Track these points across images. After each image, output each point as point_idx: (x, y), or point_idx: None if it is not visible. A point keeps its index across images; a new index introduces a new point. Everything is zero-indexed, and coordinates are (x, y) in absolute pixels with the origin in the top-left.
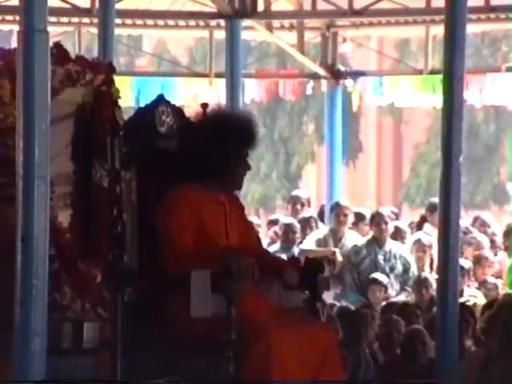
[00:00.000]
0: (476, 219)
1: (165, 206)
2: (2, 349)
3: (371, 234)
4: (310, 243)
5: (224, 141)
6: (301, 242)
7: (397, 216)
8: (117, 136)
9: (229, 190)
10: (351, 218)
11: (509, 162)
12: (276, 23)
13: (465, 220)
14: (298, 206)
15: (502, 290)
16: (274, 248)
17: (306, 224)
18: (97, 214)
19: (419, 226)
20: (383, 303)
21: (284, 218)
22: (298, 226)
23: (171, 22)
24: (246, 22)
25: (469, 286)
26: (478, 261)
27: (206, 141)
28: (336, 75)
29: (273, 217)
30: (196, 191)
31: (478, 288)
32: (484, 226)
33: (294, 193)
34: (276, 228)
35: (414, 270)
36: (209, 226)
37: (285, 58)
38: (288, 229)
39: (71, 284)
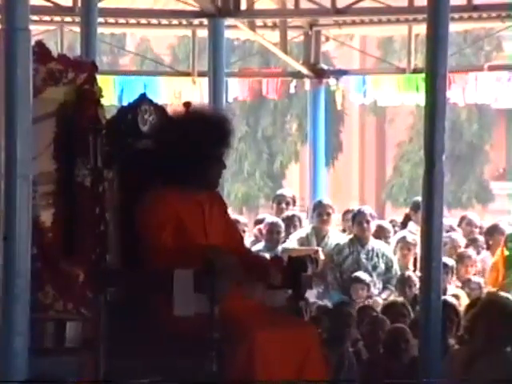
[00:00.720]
0: (463, 219)
1: (144, 205)
2: None
3: (353, 232)
4: (292, 242)
5: (197, 140)
6: (285, 241)
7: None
8: (99, 135)
9: (205, 189)
10: (334, 217)
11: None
12: (259, 22)
13: (450, 219)
14: (283, 205)
15: (485, 289)
16: (258, 247)
17: (290, 223)
18: (79, 213)
19: (404, 224)
20: (364, 303)
21: (270, 217)
22: (282, 226)
23: (154, 21)
24: (228, 21)
25: (450, 283)
26: (461, 259)
27: (180, 140)
28: (319, 74)
29: (260, 216)
30: (174, 191)
31: (462, 287)
32: (470, 225)
33: (279, 192)
34: (261, 226)
35: (396, 269)
36: (187, 225)
37: (268, 56)
38: (272, 228)
39: (54, 283)
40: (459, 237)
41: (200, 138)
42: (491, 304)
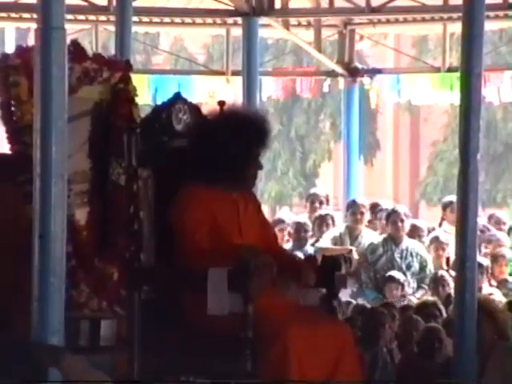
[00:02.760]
0: (491, 217)
1: (179, 204)
2: None
3: (387, 231)
4: (326, 241)
5: (235, 140)
6: (317, 240)
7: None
8: (134, 134)
9: (241, 190)
10: (367, 216)
11: None
12: (293, 21)
13: (481, 218)
14: (317, 204)
15: None
16: (287, 247)
17: (323, 221)
18: (114, 212)
19: (440, 226)
20: (402, 303)
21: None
22: (309, 224)
23: (188, 20)
24: (262, 20)
25: (489, 283)
26: (496, 259)
27: (217, 140)
28: (353, 73)
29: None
30: (209, 189)
31: (498, 287)
32: (499, 223)
33: (312, 190)
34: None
35: (430, 268)
36: (222, 224)
37: (301, 55)
38: (299, 227)
39: (88, 282)
40: (504, 236)
41: (238, 138)
42: None
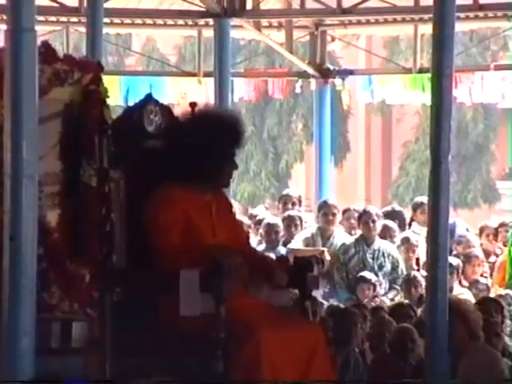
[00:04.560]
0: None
1: (152, 205)
2: None
3: (359, 232)
4: (298, 242)
5: (210, 140)
6: (286, 241)
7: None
8: (105, 135)
9: (216, 189)
10: (339, 217)
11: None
12: (264, 22)
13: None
14: (289, 205)
15: (492, 290)
16: (259, 248)
17: (291, 222)
18: (85, 214)
19: (410, 226)
20: (375, 303)
21: (269, 217)
22: (280, 226)
23: (160, 21)
24: (234, 21)
25: (461, 283)
26: (469, 259)
27: (192, 140)
28: (325, 74)
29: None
30: (183, 191)
31: (469, 288)
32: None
33: (285, 192)
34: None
35: (402, 269)
36: (195, 225)
37: (273, 56)
38: (270, 229)
39: (60, 283)
40: (473, 237)
41: (214, 137)
42: None
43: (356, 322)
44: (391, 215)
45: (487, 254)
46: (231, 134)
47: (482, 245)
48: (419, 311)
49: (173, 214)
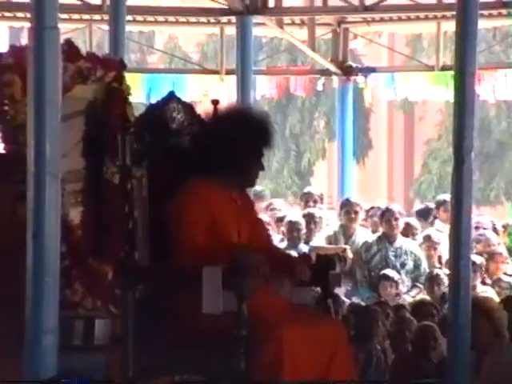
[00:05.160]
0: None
1: (177, 201)
2: (9, 349)
3: (381, 230)
4: (320, 240)
5: (242, 140)
6: (307, 238)
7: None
8: (128, 133)
9: (241, 188)
10: (361, 215)
11: None
12: (287, 19)
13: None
14: (311, 203)
15: None
16: (281, 246)
17: (311, 219)
18: (108, 211)
19: (432, 224)
20: (397, 301)
21: (291, 214)
22: (302, 224)
23: (182, 19)
24: (256, 19)
25: (484, 281)
26: (492, 256)
27: (221, 138)
28: (347, 72)
29: (280, 214)
30: (207, 188)
31: (492, 286)
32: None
33: (307, 189)
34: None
35: (424, 267)
36: (220, 222)
37: (296, 54)
38: (292, 226)
39: (82, 281)
40: (493, 235)
41: (245, 137)
42: None
43: (377, 319)
44: (424, 213)
45: (510, 251)
46: (262, 135)
47: (505, 243)
48: (443, 309)
49: (197, 211)
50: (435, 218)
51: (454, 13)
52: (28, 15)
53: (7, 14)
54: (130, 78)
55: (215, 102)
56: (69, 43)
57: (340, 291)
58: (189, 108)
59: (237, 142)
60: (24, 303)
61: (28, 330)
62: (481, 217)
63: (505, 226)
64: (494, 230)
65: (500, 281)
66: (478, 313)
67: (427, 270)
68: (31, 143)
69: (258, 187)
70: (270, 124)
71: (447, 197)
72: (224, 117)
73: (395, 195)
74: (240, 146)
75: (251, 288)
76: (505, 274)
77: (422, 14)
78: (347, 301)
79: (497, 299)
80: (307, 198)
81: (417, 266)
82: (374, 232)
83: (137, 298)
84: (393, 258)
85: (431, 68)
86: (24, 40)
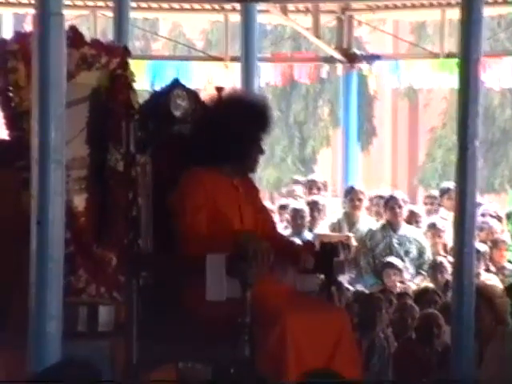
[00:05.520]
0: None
1: (180, 188)
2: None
3: (385, 218)
4: (324, 228)
5: (239, 125)
6: (311, 225)
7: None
8: (132, 120)
9: (243, 174)
10: (366, 203)
11: None
12: (291, 6)
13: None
14: (315, 190)
15: None
16: (285, 233)
17: (314, 207)
18: (112, 198)
19: (436, 211)
20: (399, 288)
21: (294, 202)
22: (306, 211)
23: (186, 6)
24: (261, 6)
25: (488, 269)
26: (496, 244)
27: (220, 124)
28: (351, 59)
29: (283, 202)
30: (211, 174)
31: (496, 273)
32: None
33: (311, 177)
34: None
35: (428, 255)
36: (223, 209)
37: (300, 41)
38: (296, 214)
39: (86, 267)
40: (496, 223)
41: (243, 122)
42: None
43: (380, 307)
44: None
45: None
46: (259, 119)
47: (509, 230)
48: (446, 296)
49: (200, 197)
50: (439, 205)
51: (459, 0)
52: (32, 1)
53: (11, 0)
54: (134, 65)
55: (219, 89)
56: (73, 30)
57: (344, 279)
58: (193, 95)
59: (234, 128)
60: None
61: (32, 317)
62: (488, 204)
63: (509, 215)
64: (498, 217)
65: (504, 268)
66: (480, 300)
67: (431, 258)
68: (35, 130)
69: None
70: (267, 108)
71: (451, 185)
72: (221, 103)
73: (399, 183)
74: (237, 132)
75: (255, 275)
76: (509, 261)
77: (426, 2)
78: (351, 288)
79: (500, 287)
80: (311, 186)
81: (421, 253)
82: (377, 220)
83: (141, 285)
84: (397, 246)
85: (436, 55)
86: (28, 26)
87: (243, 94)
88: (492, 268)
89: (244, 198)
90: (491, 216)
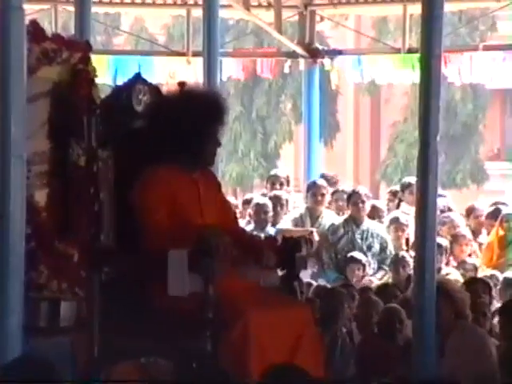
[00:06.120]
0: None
1: (140, 184)
2: None
3: (348, 212)
4: (286, 223)
5: (192, 118)
6: (273, 221)
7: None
8: (94, 114)
9: (200, 167)
10: (328, 198)
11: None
12: (253, 1)
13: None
14: (277, 186)
15: (480, 270)
16: (248, 228)
17: (277, 202)
18: (74, 193)
19: (398, 206)
20: (362, 283)
21: (258, 197)
22: (269, 206)
23: (148, 0)
24: (223, 1)
25: (448, 264)
26: (456, 239)
27: (174, 119)
28: (314, 54)
29: (247, 196)
30: (169, 170)
31: (457, 267)
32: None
33: (273, 172)
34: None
35: (391, 249)
36: (183, 204)
37: (262, 36)
38: (259, 209)
39: (48, 263)
40: (457, 217)
41: (195, 115)
42: None
43: (343, 301)
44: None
45: (476, 234)
46: (213, 112)
47: (470, 226)
48: (408, 291)
49: (159, 193)
50: (401, 200)
51: None
52: None
53: None
54: (95, 60)
55: (181, 84)
56: (34, 24)
57: (306, 273)
58: (155, 90)
59: (189, 121)
60: None
61: None
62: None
63: (469, 210)
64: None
65: (464, 263)
66: (439, 294)
67: (393, 253)
68: None
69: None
70: (220, 100)
71: (412, 179)
72: (174, 97)
73: (361, 178)
74: (190, 125)
75: (217, 270)
76: (469, 255)
77: None
78: (314, 283)
79: (461, 281)
80: (273, 181)
81: (383, 248)
82: (338, 215)
83: (103, 280)
84: (359, 241)
85: (397, 50)
86: None
87: (196, 88)
88: (453, 262)
89: (204, 192)
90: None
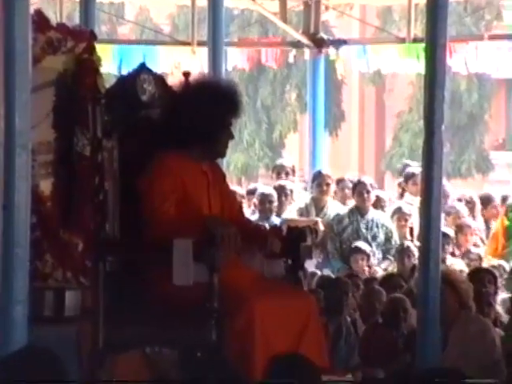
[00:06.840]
0: None
1: (148, 173)
2: None
3: (353, 202)
4: (292, 213)
5: (208, 109)
6: (278, 210)
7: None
8: (98, 104)
9: (212, 159)
10: (333, 187)
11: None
12: None
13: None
14: (283, 175)
15: (485, 260)
16: (253, 218)
17: (282, 191)
18: (78, 183)
19: (401, 197)
20: (367, 275)
21: (262, 187)
22: (274, 195)
23: None
24: None
25: (453, 253)
26: (461, 229)
27: (189, 109)
28: (318, 44)
29: (251, 186)
30: (179, 160)
31: (462, 257)
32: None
33: (279, 162)
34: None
35: (395, 239)
36: (191, 194)
37: (267, 26)
38: (264, 198)
39: (53, 252)
40: (463, 207)
41: (211, 106)
42: None
43: (347, 291)
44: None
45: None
46: (229, 103)
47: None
48: (411, 281)
49: (168, 183)
50: (404, 190)
51: None
52: None
53: None
54: (100, 49)
55: (186, 74)
56: (39, 13)
57: (311, 263)
58: (160, 80)
59: (202, 113)
60: None
61: None
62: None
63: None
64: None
65: (469, 253)
66: (443, 284)
67: (398, 243)
68: (1, 114)
69: None
70: (236, 92)
71: (416, 169)
72: (190, 88)
73: (366, 168)
74: (206, 117)
75: (222, 260)
76: (474, 245)
77: None
78: (319, 273)
79: (466, 271)
80: (279, 171)
81: (388, 238)
82: (343, 204)
83: (107, 269)
84: (364, 231)
85: (402, 40)
86: None
87: (212, 79)
88: (457, 252)
89: (212, 183)
90: (459, 200)
